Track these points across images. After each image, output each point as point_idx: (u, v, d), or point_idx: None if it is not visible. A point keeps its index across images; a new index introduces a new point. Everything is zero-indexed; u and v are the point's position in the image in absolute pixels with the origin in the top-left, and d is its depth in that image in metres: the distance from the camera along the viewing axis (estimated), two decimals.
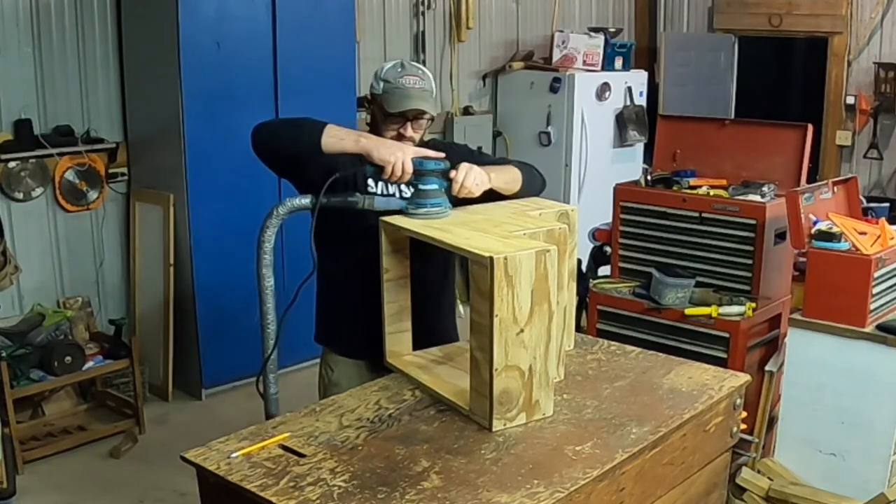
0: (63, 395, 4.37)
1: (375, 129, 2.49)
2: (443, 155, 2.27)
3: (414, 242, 2.21)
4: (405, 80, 2.43)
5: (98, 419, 4.35)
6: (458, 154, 2.49)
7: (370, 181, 2.44)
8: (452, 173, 2.23)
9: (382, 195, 2.40)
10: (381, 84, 2.45)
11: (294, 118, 2.44)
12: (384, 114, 2.43)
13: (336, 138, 2.29)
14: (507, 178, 2.40)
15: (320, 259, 2.29)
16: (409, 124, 2.43)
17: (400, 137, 2.42)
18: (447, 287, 2.62)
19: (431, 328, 2.46)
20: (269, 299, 2.34)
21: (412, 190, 2.28)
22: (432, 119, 2.50)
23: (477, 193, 2.27)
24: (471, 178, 2.24)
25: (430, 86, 2.49)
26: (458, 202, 2.27)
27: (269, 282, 2.33)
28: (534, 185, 2.49)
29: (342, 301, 2.52)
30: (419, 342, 2.34)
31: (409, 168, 2.22)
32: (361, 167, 2.33)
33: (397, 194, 2.43)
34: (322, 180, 2.25)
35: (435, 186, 2.18)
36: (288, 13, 4.70)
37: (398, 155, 2.22)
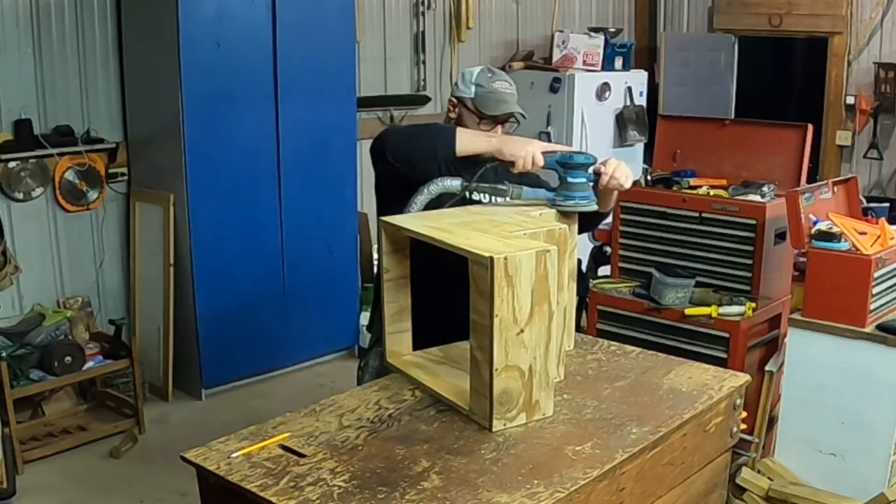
0: (63, 395, 4.37)
1: None
2: (572, 147, 2.39)
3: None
4: (498, 85, 2.63)
5: (98, 419, 4.34)
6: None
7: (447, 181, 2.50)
8: (600, 167, 2.30)
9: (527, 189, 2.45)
10: (474, 88, 2.62)
11: (420, 125, 2.62)
12: (479, 116, 2.61)
13: (469, 141, 2.41)
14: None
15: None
16: (499, 127, 2.63)
17: None
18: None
19: (453, 324, 2.43)
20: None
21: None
22: (518, 122, 2.69)
23: (626, 186, 2.35)
24: (620, 170, 2.32)
25: (515, 90, 2.68)
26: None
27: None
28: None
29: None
30: (440, 339, 2.35)
31: (540, 161, 2.29)
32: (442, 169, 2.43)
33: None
34: (424, 180, 2.36)
35: (583, 179, 2.22)
36: (288, 13, 4.70)
37: (528, 149, 2.31)
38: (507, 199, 2.34)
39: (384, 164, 2.52)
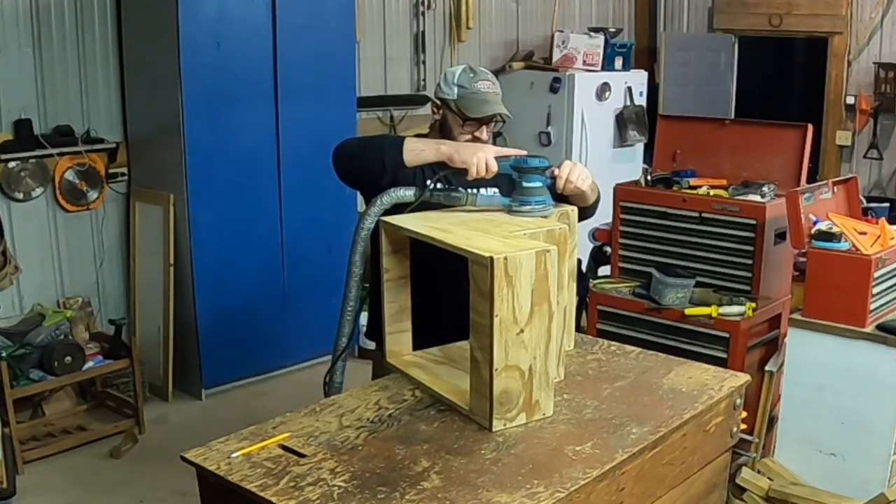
0: (63, 395, 4.37)
1: (447, 132, 2.58)
2: (525, 152, 2.31)
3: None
4: (480, 86, 2.56)
5: (98, 419, 4.35)
6: None
7: (428, 182, 2.43)
8: (556, 170, 2.27)
9: (483, 193, 2.42)
10: (456, 89, 2.56)
11: (371, 137, 2.57)
12: (462, 118, 2.55)
13: (416, 151, 2.36)
14: (593, 183, 2.46)
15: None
16: (483, 128, 2.57)
17: (474, 140, 2.53)
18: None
19: (456, 323, 2.43)
20: (355, 287, 2.36)
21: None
22: (503, 121, 2.63)
23: (583, 188, 2.32)
24: (576, 172, 2.30)
25: (499, 88, 2.62)
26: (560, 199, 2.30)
27: (358, 269, 2.35)
28: (598, 200, 2.60)
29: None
30: (444, 338, 2.35)
31: (493, 167, 2.26)
32: (424, 177, 2.39)
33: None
34: (388, 187, 2.31)
35: (539, 184, 2.18)
36: (288, 13, 4.70)
37: (480, 156, 2.27)
38: (462, 205, 2.27)
39: (343, 181, 2.51)
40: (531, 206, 2.16)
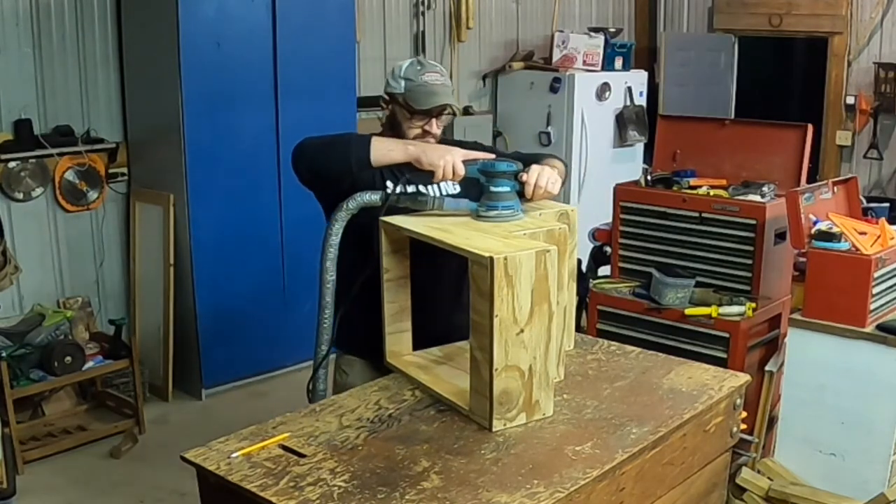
0: (63, 395, 4.37)
1: (396, 128, 2.50)
2: (493, 156, 2.27)
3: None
4: (427, 77, 2.46)
5: (98, 419, 4.34)
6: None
7: (388, 182, 2.41)
8: (523, 176, 2.20)
9: (450, 196, 2.39)
10: (403, 83, 2.46)
11: (336, 135, 2.45)
12: (409, 112, 2.46)
13: (384, 150, 2.30)
14: (559, 172, 2.39)
15: (345, 265, 2.29)
16: (433, 121, 2.47)
17: (424, 134, 2.46)
18: (465, 284, 2.60)
19: (449, 326, 2.42)
20: (328, 294, 2.31)
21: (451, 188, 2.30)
22: (454, 114, 2.54)
23: (554, 193, 2.25)
24: (544, 178, 2.21)
25: (450, 81, 2.53)
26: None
27: (331, 276, 2.30)
28: (567, 176, 2.51)
29: (365, 307, 2.43)
30: (436, 340, 2.35)
31: (461, 170, 2.21)
32: (383, 178, 2.35)
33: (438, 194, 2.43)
34: (348, 190, 2.27)
35: (507, 189, 2.13)
36: (288, 13, 4.70)
37: (447, 158, 2.22)
38: (429, 209, 2.21)
39: (302, 181, 2.44)
40: (498, 210, 2.11)
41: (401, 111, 2.49)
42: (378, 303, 2.30)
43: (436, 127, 2.48)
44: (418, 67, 2.49)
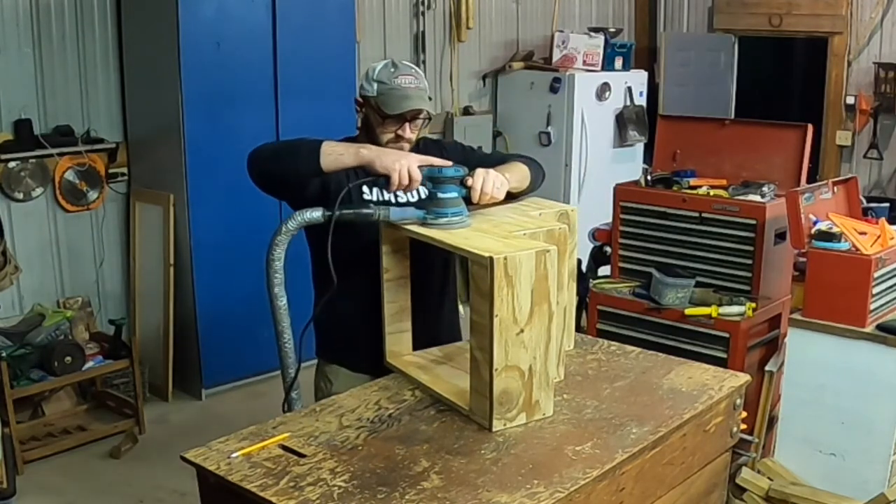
0: (63, 395, 4.37)
1: (370, 132, 2.42)
2: (450, 163, 2.21)
3: (414, 244, 2.20)
4: (401, 81, 2.36)
5: (98, 419, 4.35)
6: (453, 154, 2.45)
7: (364, 188, 2.37)
8: (469, 181, 2.15)
9: (396, 205, 2.34)
10: (375, 86, 2.37)
11: (287, 141, 2.38)
12: (381, 116, 2.36)
13: (334, 155, 2.22)
14: (519, 175, 2.35)
15: (325, 274, 2.23)
16: (407, 125, 2.37)
17: (398, 139, 2.37)
18: (449, 287, 2.61)
19: (434, 329, 2.45)
20: (283, 319, 2.24)
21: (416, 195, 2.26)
22: (429, 118, 2.44)
23: (500, 197, 2.20)
24: (489, 183, 2.16)
25: (425, 84, 2.43)
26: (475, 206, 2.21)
27: (282, 301, 2.22)
28: (539, 178, 2.46)
29: (349, 317, 2.44)
30: (422, 343, 2.34)
31: (417, 175, 2.15)
32: (356, 178, 2.28)
33: (393, 200, 2.38)
34: (318, 195, 2.23)
35: (454, 195, 2.09)
36: (288, 13, 4.70)
37: (402, 163, 2.16)
38: (375, 220, 2.14)
39: (262, 190, 2.38)
40: (447, 217, 2.06)
41: (373, 115, 2.39)
42: (360, 311, 2.29)
43: (409, 131, 2.38)
44: (392, 69, 2.39)
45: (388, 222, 2.14)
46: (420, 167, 2.17)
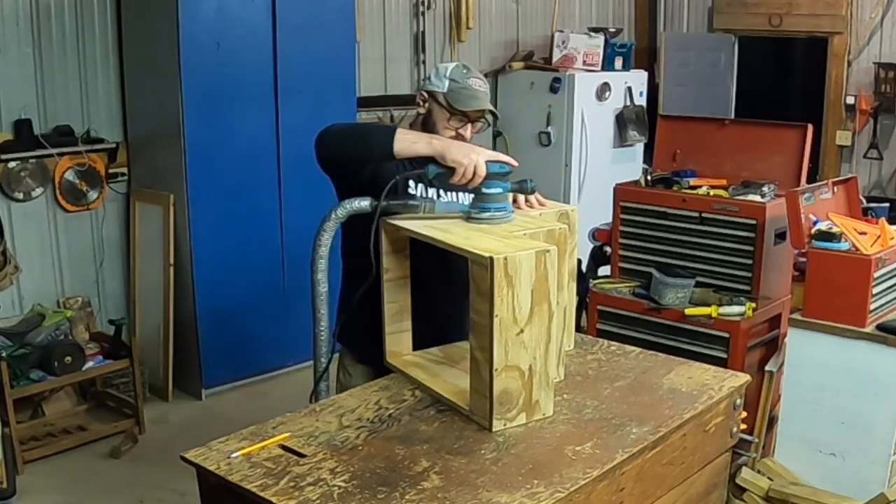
0: (63, 395, 4.37)
1: (430, 127, 2.49)
2: (515, 162, 2.22)
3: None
4: (472, 82, 2.48)
5: (98, 419, 4.35)
6: None
7: (411, 182, 2.41)
8: (528, 199, 2.24)
9: (441, 200, 2.37)
10: (447, 83, 2.47)
11: (360, 124, 2.46)
12: (450, 112, 2.45)
13: (408, 142, 2.25)
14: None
15: (353, 269, 2.25)
16: (469, 125, 2.47)
17: (458, 137, 2.43)
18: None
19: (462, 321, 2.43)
20: (322, 306, 2.25)
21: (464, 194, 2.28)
22: (488, 124, 2.56)
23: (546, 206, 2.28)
24: (541, 198, 2.28)
25: (489, 90, 2.56)
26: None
27: (323, 287, 2.23)
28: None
29: (374, 313, 2.41)
30: (445, 339, 2.34)
31: (483, 171, 2.15)
32: (405, 171, 2.30)
33: (434, 197, 2.41)
34: (367, 184, 2.25)
35: (499, 190, 2.12)
36: (288, 13, 4.70)
37: (472, 157, 2.15)
38: (421, 213, 2.18)
39: (323, 167, 2.41)
40: (491, 212, 2.09)
41: (440, 110, 2.48)
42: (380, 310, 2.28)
43: (470, 131, 2.48)
44: (464, 70, 2.51)
45: (434, 214, 2.17)
46: (488, 162, 2.17)
